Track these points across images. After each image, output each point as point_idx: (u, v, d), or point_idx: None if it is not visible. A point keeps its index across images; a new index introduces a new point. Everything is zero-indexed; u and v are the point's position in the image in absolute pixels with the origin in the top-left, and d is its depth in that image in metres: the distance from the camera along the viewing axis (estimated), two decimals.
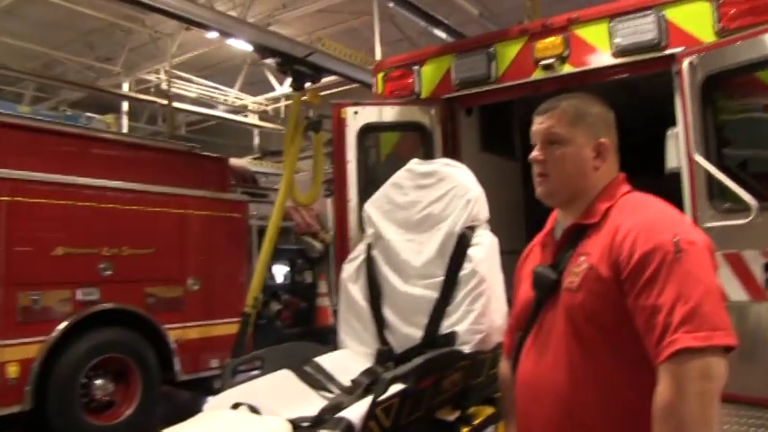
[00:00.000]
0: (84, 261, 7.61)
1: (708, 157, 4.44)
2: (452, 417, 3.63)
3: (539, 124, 2.32)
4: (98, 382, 7.62)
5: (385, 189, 4.45)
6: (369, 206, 4.50)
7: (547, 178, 2.28)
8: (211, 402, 3.40)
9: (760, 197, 4.15)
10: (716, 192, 4.45)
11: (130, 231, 8.15)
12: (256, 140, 19.03)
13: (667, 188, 4.61)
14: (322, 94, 10.86)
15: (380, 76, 6.10)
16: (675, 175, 4.75)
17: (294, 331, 11.21)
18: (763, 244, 4.18)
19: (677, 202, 4.53)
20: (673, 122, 4.77)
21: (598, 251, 2.09)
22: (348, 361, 4.04)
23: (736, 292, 4.24)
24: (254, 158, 16.91)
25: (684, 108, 4.63)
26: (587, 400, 2.05)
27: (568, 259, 2.20)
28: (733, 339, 1.85)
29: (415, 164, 4.38)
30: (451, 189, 4.14)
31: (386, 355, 4.04)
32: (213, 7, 10.28)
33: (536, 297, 2.28)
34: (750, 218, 4.11)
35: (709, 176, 4.42)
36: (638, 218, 2.08)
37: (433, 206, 4.17)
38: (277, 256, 11.43)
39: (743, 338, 4.14)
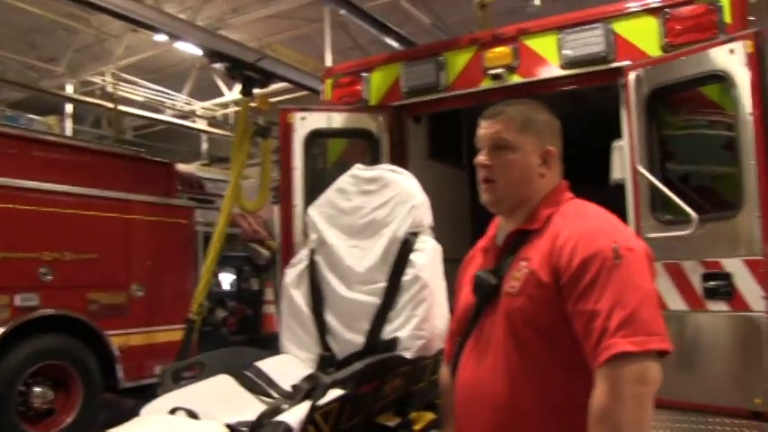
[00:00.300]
0: (24, 266, 7.44)
1: (651, 170, 4.54)
2: (393, 422, 3.62)
3: (485, 129, 2.31)
4: (37, 389, 7.40)
5: (329, 194, 4.45)
6: (312, 211, 4.49)
7: (493, 185, 2.28)
8: (148, 407, 3.34)
9: (700, 210, 4.26)
10: (658, 203, 4.56)
11: (73, 236, 7.99)
12: (205, 146, 18.82)
13: (612, 200, 4.73)
14: (272, 100, 10.79)
15: (329, 82, 6.10)
16: (620, 187, 4.83)
17: (240, 338, 11.10)
18: (702, 255, 4.29)
19: (621, 213, 4.63)
20: (619, 135, 4.85)
21: (539, 257, 2.10)
22: (290, 366, 4.03)
23: (676, 302, 4.37)
24: (203, 164, 16.72)
25: (630, 121, 4.73)
26: (526, 406, 2.06)
27: (510, 264, 2.20)
28: (668, 344, 1.88)
29: (359, 169, 4.37)
30: (396, 195, 4.16)
31: (328, 361, 4.05)
32: (161, 9, 10.17)
33: (476, 302, 2.29)
34: (690, 230, 4.23)
35: (653, 188, 4.53)
36: (578, 224, 2.10)
37: (376, 212, 4.19)
38: (224, 262, 11.32)
39: (681, 347, 4.28)
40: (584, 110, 6.34)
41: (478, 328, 2.26)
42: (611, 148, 4.97)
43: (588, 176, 4.89)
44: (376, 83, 5.90)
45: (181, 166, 11.26)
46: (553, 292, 2.03)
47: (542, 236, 2.16)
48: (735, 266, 4.17)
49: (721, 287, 4.20)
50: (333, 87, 6.06)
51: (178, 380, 3.59)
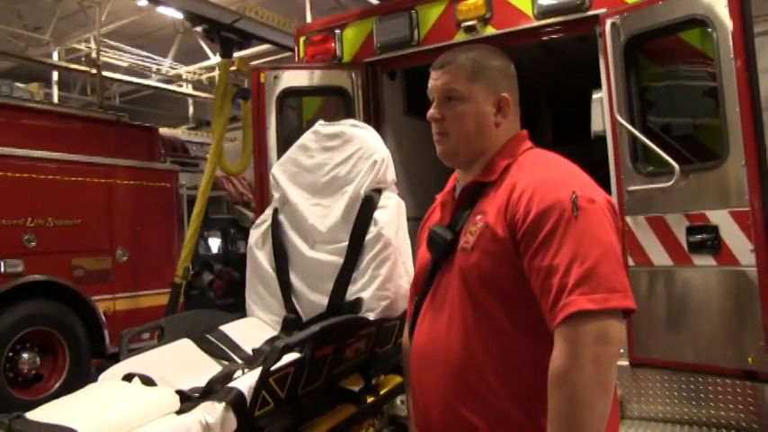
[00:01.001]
0: (7, 233, 7.47)
1: (631, 120, 4.45)
2: (358, 387, 3.54)
3: (435, 80, 2.19)
4: (25, 355, 7.48)
5: (292, 151, 4.33)
6: (275, 169, 4.38)
7: (446, 137, 2.16)
8: (105, 373, 3.29)
9: (683, 161, 4.17)
10: (639, 155, 4.47)
11: (56, 202, 8.02)
12: (191, 111, 18.68)
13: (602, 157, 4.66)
14: (256, 63, 10.69)
15: (302, 40, 5.98)
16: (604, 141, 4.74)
17: (227, 302, 11.08)
18: (687, 208, 4.20)
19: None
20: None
21: (494, 209, 1.98)
22: (254, 329, 3.95)
23: (661, 257, 4.28)
24: (189, 128, 16.67)
25: (608, 70, 4.62)
26: (482, 368, 1.94)
27: (466, 219, 2.09)
28: (631, 302, 1.77)
29: (321, 125, 4.26)
30: (357, 150, 4.03)
31: (292, 323, 3.93)
32: None
33: (431, 259, 2.18)
34: (672, 181, 4.14)
35: (633, 139, 4.44)
36: (535, 174, 1.98)
37: (338, 168, 4.07)
38: (210, 225, 11.36)
39: (669, 304, 4.21)
40: (575, 63, 6.23)
41: (434, 286, 2.14)
42: (591, 100, 4.87)
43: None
44: (349, 39, 5.79)
45: (164, 131, 11.21)
46: (509, 247, 1.91)
47: (499, 188, 2.04)
48: (721, 218, 4.06)
49: (707, 240, 4.09)
50: (306, 45, 5.94)
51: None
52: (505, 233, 1.93)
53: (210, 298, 10.62)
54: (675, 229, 4.23)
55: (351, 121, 4.38)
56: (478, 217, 2.03)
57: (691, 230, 4.17)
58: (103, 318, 8.19)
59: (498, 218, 1.96)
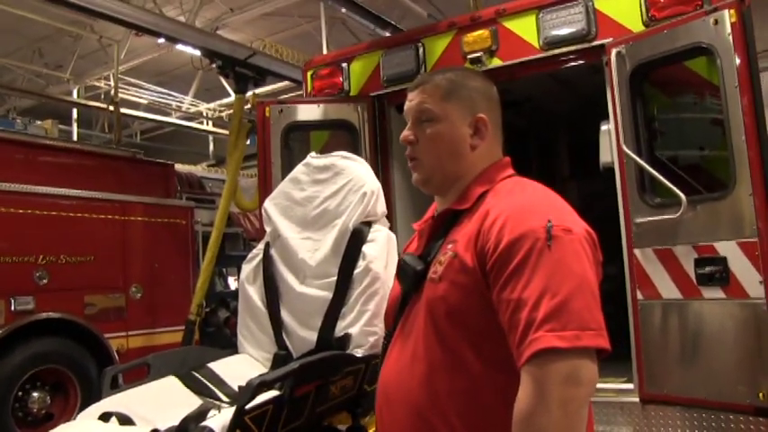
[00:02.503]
0: (19, 270, 7.41)
1: (638, 151, 4.38)
2: (344, 426, 3.46)
3: (409, 101, 2.10)
4: (35, 394, 7.38)
5: (283, 185, 4.31)
6: (267, 203, 4.35)
7: (419, 162, 2.07)
8: (84, 412, 3.24)
9: (691, 191, 4.10)
10: (647, 186, 4.40)
11: (68, 239, 7.97)
12: (212, 147, 18.80)
13: None
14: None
15: (309, 74, 5.98)
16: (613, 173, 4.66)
17: None
18: (695, 239, 4.12)
19: None
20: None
21: (465, 238, 1.87)
22: (243, 366, 3.90)
23: (669, 290, 4.19)
24: (209, 165, 16.75)
25: (614, 100, 4.58)
26: (446, 410, 1.82)
27: (438, 248, 1.97)
28: (605, 341, 1.64)
29: (312, 157, 4.21)
30: (347, 183, 3.99)
31: (282, 360, 3.87)
32: (162, 12, 10.14)
33: (402, 290, 2.07)
34: (680, 212, 4.05)
35: (641, 170, 4.37)
36: (510, 202, 1.87)
37: (328, 201, 4.03)
38: (227, 262, 11.30)
39: (679, 338, 4.11)
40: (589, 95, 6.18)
41: (404, 318, 2.03)
42: (600, 131, 4.80)
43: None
44: (356, 73, 5.78)
45: (180, 167, 11.23)
46: (479, 278, 1.79)
47: (472, 216, 1.93)
48: (729, 250, 3.98)
49: (716, 272, 4.00)
50: (313, 79, 5.93)
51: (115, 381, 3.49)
52: (474, 263, 1.82)
53: (226, 335, 10.51)
54: (684, 262, 4.14)
55: (342, 152, 4.31)
56: (449, 246, 1.93)
57: (699, 262, 4.07)
58: (116, 356, 8.08)
59: (468, 247, 1.85)
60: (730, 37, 3.99)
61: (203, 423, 2.78)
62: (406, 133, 2.10)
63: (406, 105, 2.13)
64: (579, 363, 1.60)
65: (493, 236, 1.78)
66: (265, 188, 5.41)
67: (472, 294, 1.81)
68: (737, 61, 3.96)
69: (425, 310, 1.92)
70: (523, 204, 1.85)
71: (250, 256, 4.33)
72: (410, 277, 2.02)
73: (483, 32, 5.17)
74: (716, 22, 4.06)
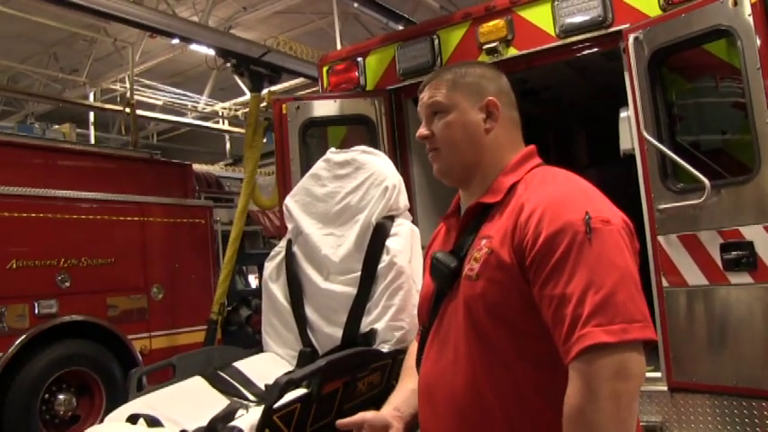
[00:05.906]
0: (41, 274, 7.45)
1: (658, 136, 4.32)
2: None
3: (421, 100, 2.12)
4: (61, 396, 7.44)
5: (304, 181, 4.28)
6: (288, 200, 4.32)
7: (438, 153, 2.06)
8: (111, 415, 3.23)
9: (714, 175, 4.04)
10: (669, 172, 4.33)
11: (89, 241, 8.01)
12: (228, 146, 18.82)
13: None
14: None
15: (325, 69, 5.93)
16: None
17: None
18: (720, 224, 4.05)
19: None
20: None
21: (500, 234, 1.85)
22: (269, 365, 3.88)
23: (695, 276, 4.13)
24: (227, 164, 16.78)
25: (633, 86, 4.52)
26: (489, 407, 1.81)
27: (470, 243, 1.95)
28: (652, 332, 1.64)
29: (332, 153, 4.19)
30: (368, 177, 3.97)
31: (308, 357, 3.84)
32: (175, 13, 10.16)
33: (435, 287, 2.06)
34: (704, 197, 3.99)
35: (662, 156, 4.31)
36: (544, 193, 1.84)
37: (350, 197, 4.00)
38: (247, 260, 11.31)
39: (706, 325, 4.06)
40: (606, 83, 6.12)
41: (439, 316, 2.01)
42: (619, 118, 4.75)
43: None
44: (372, 67, 5.74)
45: (198, 167, 11.26)
46: (517, 274, 1.78)
47: (505, 209, 1.90)
48: (755, 234, 3.89)
49: (743, 257, 3.92)
50: (329, 75, 5.89)
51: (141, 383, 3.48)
52: (512, 259, 1.79)
53: (249, 333, 10.54)
54: (709, 247, 4.06)
55: (362, 147, 4.30)
56: (483, 242, 1.89)
57: (725, 247, 4.00)
58: (140, 356, 8.14)
59: (504, 242, 1.82)
60: (750, 18, 3.90)
61: (231, 423, 2.77)
62: (420, 131, 2.11)
63: (419, 105, 2.15)
64: (628, 356, 1.59)
65: (530, 230, 1.76)
66: (285, 185, 5.36)
67: (511, 291, 1.80)
68: (758, 42, 3.87)
69: (464, 308, 1.90)
70: (559, 196, 1.83)
71: (272, 253, 4.29)
72: (444, 275, 2.00)
73: (498, 22, 5.11)
74: (735, 3, 3.98)
